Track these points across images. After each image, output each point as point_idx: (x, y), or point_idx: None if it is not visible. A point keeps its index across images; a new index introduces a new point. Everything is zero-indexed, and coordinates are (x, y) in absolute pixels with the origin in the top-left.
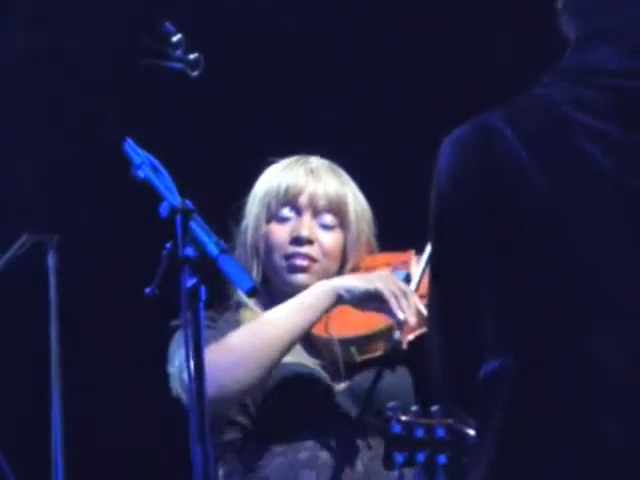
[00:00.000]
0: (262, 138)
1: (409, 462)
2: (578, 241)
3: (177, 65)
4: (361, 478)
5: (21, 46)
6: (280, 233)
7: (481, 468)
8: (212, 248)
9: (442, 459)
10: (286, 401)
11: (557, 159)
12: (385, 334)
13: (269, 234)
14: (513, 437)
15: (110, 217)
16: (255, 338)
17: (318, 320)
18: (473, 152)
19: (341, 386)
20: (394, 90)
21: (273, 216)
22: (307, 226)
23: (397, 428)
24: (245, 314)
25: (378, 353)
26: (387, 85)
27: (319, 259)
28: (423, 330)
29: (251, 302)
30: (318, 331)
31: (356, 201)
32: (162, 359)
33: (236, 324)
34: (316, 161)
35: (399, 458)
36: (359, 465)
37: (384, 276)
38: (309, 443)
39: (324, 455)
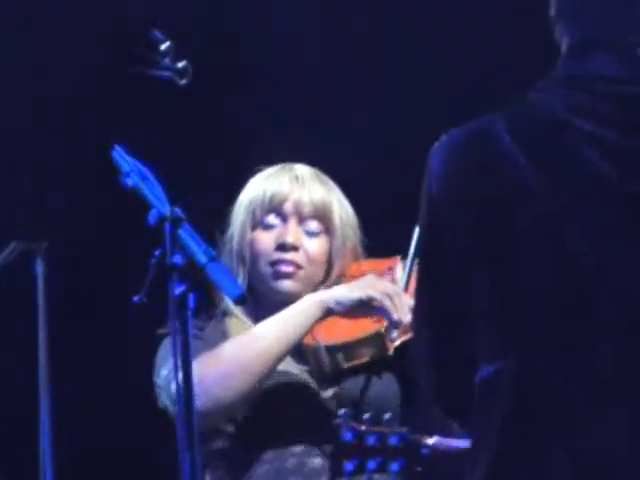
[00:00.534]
0: (249, 147)
1: (359, 470)
2: (577, 247)
3: (165, 73)
4: None
5: (4, 51)
6: (265, 240)
7: (479, 471)
8: (201, 256)
9: (395, 466)
10: (273, 408)
11: (555, 165)
12: (371, 340)
13: (254, 241)
14: (512, 441)
15: (98, 225)
16: (246, 351)
17: (308, 332)
18: (467, 157)
19: (328, 392)
20: (379, 95)
21: (258, 223)
22: (292, 233)
23: (348, 436)
24: (231, 322)
25: (365, 359)
26: (373, 89)
27: (304, 265)
28: (409, 336)
29: (237, 310)
30: (305, 338)
31: (341, 208)
32: (151, 367)
33: (222, 333)
34: (301, 168)
35: (349, 466)
36: None
37: (373, 281)
38: (296, 450)
39: (311, 462)
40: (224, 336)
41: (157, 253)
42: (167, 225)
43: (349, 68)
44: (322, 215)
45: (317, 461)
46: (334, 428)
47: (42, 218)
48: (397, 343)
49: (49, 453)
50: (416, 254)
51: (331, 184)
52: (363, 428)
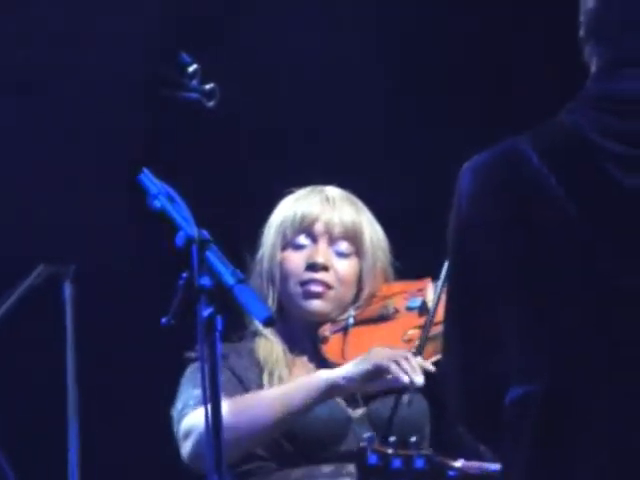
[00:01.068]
0: (278, 169)
1: None
2: (607, 268)
3: (193, 95)
4: None
5: (33, 73)
6: (295, 260)
7: None
8: (228, 278)
9: None
10: (304, 429)
11: (586, 186)
12: None
13: (284, 261)
14: (541, 462)
15: (126, 247)
16: (246, 416)
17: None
18: (498, 178)
19: (358, 413)
20: (411, 118)
21: (289, 243)
22: (323, 253)
23: (373, 459)
24: (260, 343)
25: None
26: (404, 113)
27: (334, 286)
28: (439, 357)
29: (267, 330)
30: (335, 358)
31: (372, 229)
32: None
33: (250, 354)
34: (332, 190)
35: None
36: None
37: (377, 351)
38: (326, 470)
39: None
40: (251, 357)
41: (185, 275)
42: (194, 247)
43: (382, 95)
44: (352, 236)
45: None
46: (359, 451)
47: (70, 241)
48: (427, 365)
49: (76, 474)
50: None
51: (361, 205)
52: (389, 451)
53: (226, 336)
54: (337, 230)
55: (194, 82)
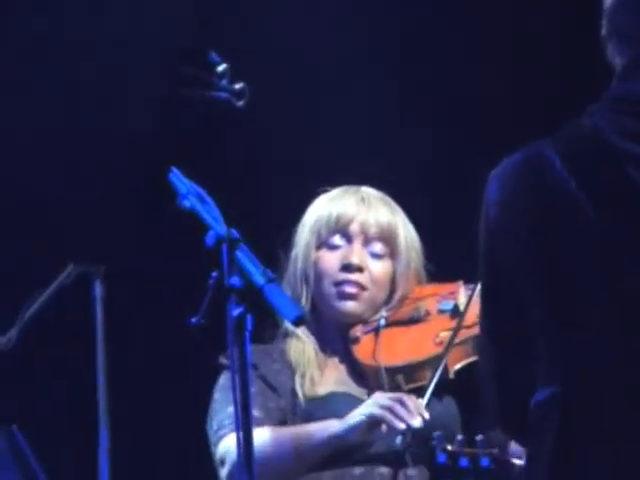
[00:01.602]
0: (310, 168)
1: None
2: (629, 272)
3: (223, 95)
4: None
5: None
6: (330, 260)
7: None
8: (258, 277)
9: None
10: None
11: (606, 189)
12: (432, 363)
13: (319, 261)
14: (564, 462)
15: (156, 247)
16: (260, 454)
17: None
18: (523, 183)
19: None
20: (442, 121)
21: (323, 243)
22: (357, 254)
23: (442, 458)
24: (291, 343)
25: (425, 382)
26: (435, 116)
27: (368, 287)
28: (470, 359)
29: (299, 330)
30: (366, 359)
31: (406, 230)
32: (209, 388)
33: (281, 355)
34: (367, 190)
35: None
36: None
37: (375, 398)
38: (356, 472)
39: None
40: (282, 358)
41: (215, 275)
42: (224, 246)
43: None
44: (387, 237)
45: None
46: (430, 450)
47: (100, 241)
48: (457, 367)
49: (106, 474)
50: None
51: (396, 207)
52: (456, 450)
53: (257, 336)
54: (372, 231)
55: (223, 81)
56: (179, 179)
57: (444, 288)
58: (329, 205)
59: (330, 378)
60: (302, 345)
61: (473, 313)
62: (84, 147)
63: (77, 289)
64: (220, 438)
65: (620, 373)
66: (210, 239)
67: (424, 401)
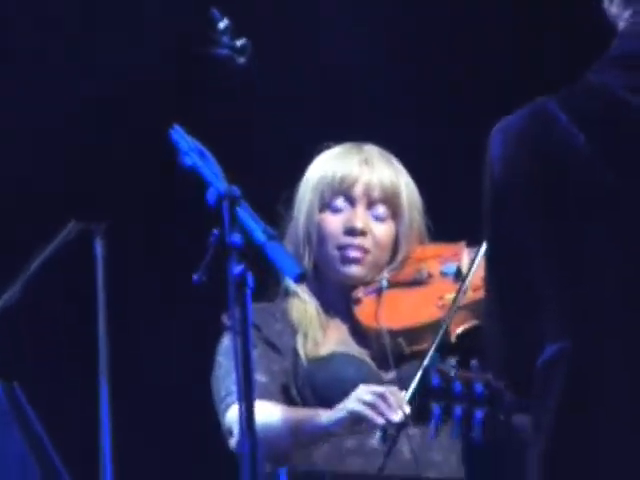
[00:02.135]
0: (311, 123)
1: (445, 415)
2: (637, 227)
3: (224, 51)
4: (408, 465)
5: (74, 30)
6: (333, 223)
7: (540, 446)
8: (259, 235)
9: (479, 414)
10: (334, 389)
11: (615, 143)
12: (435, 327)
13: (322, 224)
14: (571, 417)
15: (157, 205)
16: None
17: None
18: (528, 138)
19: (389, 376)
20: (444, 76)
21: (326, 205)
22: (361, 217)
23: (436, 380)
24: (294, 303)
25: (426, 345)
26: (437, 70)
27: (372, 250)
28: (472, 323)
29: (300, 290)
30: (368, 321)
31: (409, 191)
32: (209, 347)
33: (283, 315)
34: (370, 149)
35: (436, 410)
36: (406, 452)
37: (356, 394)
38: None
39: (371, 442)
40: (284, 318)
41: (216, 232)
42: (225, 204)
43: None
44: (390, 199)
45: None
46: (424, 372)
47: (101, 198)
48: (459, 331)
49: (107, 430)
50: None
51: (399, 166)
52: (450, 373)
53: (258, 294)
54: (376, 194)
55: (225, 38)
56: (181, 136)
57: (447, 249)
58: (332, 164)
59: (332, 339)
60: (304, 305)
61: (476, 277)
62: (85, 99)
63: (80, 246)
64: (228, 406)
65: (631, 329)
66: (211, 196)
67: (411, 389)
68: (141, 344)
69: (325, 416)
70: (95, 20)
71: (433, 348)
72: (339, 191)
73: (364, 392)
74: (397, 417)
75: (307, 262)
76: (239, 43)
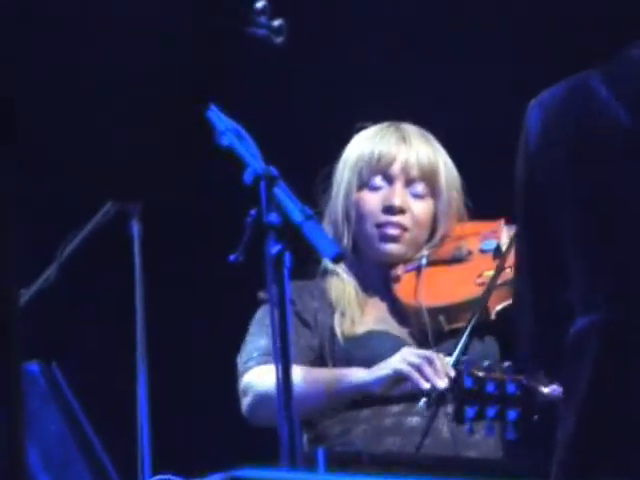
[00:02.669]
0: (348, 104)
1: (479, 416)
2: None
3: (261, 31)
4: (447, 444)
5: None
6: (372, 201)
7: (570, 421)
8: (297, 215)
9: (513, 415)
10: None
11: None
12: (474, 304)
13: (360, 202)
14: (602, 390)
15: (194, 184)
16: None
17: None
18: (566, 112)
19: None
20: (484, 56)
21: (364, 184)
22: (399, 195)
23: (469, 382)
24: (332, 282)
25: (466, 322)
26: (477, 51)
27: (410, 228)
28: (510, 302)
29: (340, 268)
30: (407, 299)
31: (447, 169)
32: (247, 328)
33: (322, 294)
34: (407, 128)
35: (470, 412)
36: (445, 431)
37: (402, 354)
38: (394, 409)
39: (409, 421)
40: (323, 296)
41: (253, 212)
42: (263, 184)
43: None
44: (429, 177)
45: (415, 420)
46: (456, 374)
47: (138, 179)
48: (499, 308)
49: (146, 413)
50: None
51: (437, 145)
52: (483, 375)
53: (298, 272)
54: (414, 172)
55: (262, 18)
56: (217, 116)
57: (486, 226)
58: (370, 143)
59: (370, 317)
60: (343, 284)
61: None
62: (124, 82)
63: (115, 228)
64: (247, 369)
65: None
66: (248, 176)
67: (455, 354)
68: (178, 324)
69: (365, 373)
70: None
71: (471, 325)
72: (377, 169)
73: (410, 353)
74: (442, 383)
75: (346, 241)
76: (276, 23)
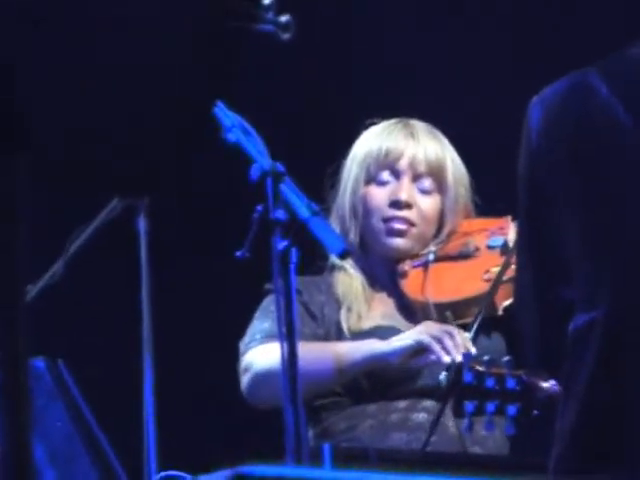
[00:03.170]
0: (356, 100)
1: (479, 411)
2: None
3: (268, 27)
4: (453, 440)
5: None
6: (379, 196)
7: (570, 416)
8: (303, 210)
9: (512, 410)
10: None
11: None
12: (481, 300)
13: (368, 196)
14: (602, 386)
15: (201, 181)
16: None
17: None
18: (567, 110)
19: None
20: (489, 53)
21: (372, 179)
22: (406, 190)
23: (469, 377)
24: (339, 277)
25: (473, 318)
26: (483, 49)
27: (417, 223)
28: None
29: (347, 264)
30: (414, 294)
31: (454, 165)
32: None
33: (329, 288)
34: (416, 124)
35: (469, 407)
36: (451, 427)
37: (424, 326)
38: (401, 405)
39: (415, 417)
40: (329, 291)
41: (259, 208)
42: (269, 180)
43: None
44: (436, 173)
45: (421, 416)
46: (456, 368)
47: (144, 174)
48: (506, 304)
49: (151, 406)
50: None
51: (445, 141)
52: (483, 370)
53: (305, 267)
54: (421, 167)
55: (269, 14)
56: (224, 112)
57: (493, 223)
58: (378, 139)
59: (377, 312)
60: (350, 279)
61: None
62: (127, 77)
63: (121, 223)
64: (249, 349)
65: None
66: (255, 172)
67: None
68: (185, 321)
69: (383, 343)
70: None
71: (478, 321)
72: (384, 164)
73: (433, 326)
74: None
75: (353, 236)
76: (283, 19)
